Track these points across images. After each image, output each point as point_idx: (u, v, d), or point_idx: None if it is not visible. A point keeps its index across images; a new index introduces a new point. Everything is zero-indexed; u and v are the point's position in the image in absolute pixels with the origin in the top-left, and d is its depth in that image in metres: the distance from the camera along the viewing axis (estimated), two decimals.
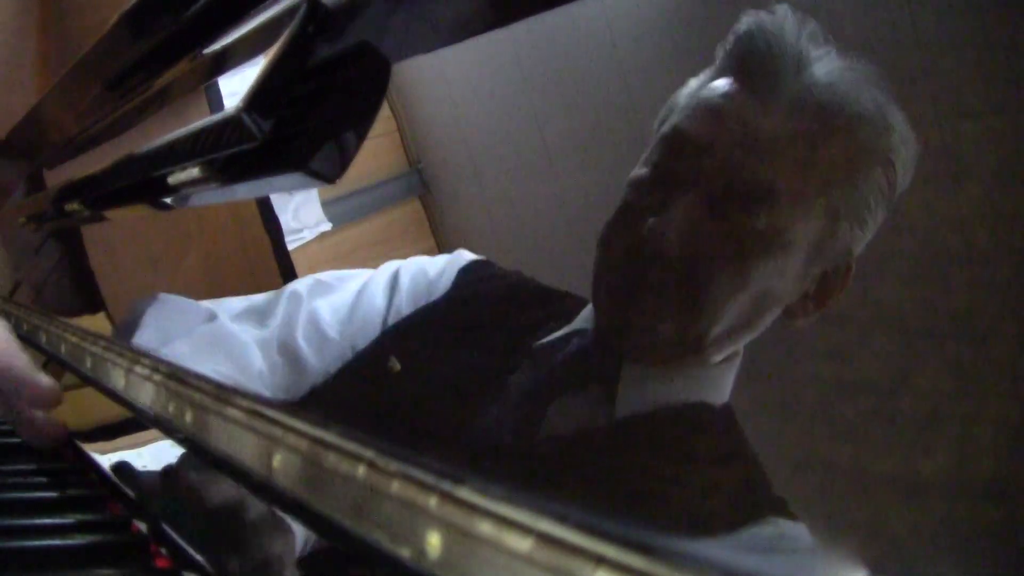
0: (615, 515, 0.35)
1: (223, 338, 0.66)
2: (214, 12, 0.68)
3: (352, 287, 0.64)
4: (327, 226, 0.79)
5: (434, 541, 0.30)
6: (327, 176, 0.56)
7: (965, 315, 0.32)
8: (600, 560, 0.24)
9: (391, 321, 0.59)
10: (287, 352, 0.63)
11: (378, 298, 0.60)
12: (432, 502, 0.30)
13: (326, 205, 0.79)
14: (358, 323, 0.60)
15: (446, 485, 0.30)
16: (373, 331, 0.59)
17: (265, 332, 0.66)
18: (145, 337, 0.70)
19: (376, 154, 0.68)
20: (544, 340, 0.44)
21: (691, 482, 0.36)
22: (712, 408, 0.38)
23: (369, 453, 0.34)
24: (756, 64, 0.36)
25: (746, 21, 0.37)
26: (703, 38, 0.45)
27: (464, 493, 0.29)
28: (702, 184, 0.37)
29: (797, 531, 0.33)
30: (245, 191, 0.73)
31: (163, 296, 0.76)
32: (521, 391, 0.44)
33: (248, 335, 0.66)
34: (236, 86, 0.60)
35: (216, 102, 0.70)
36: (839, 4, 0.39)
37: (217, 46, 0.69)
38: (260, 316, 0.68)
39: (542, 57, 0.52)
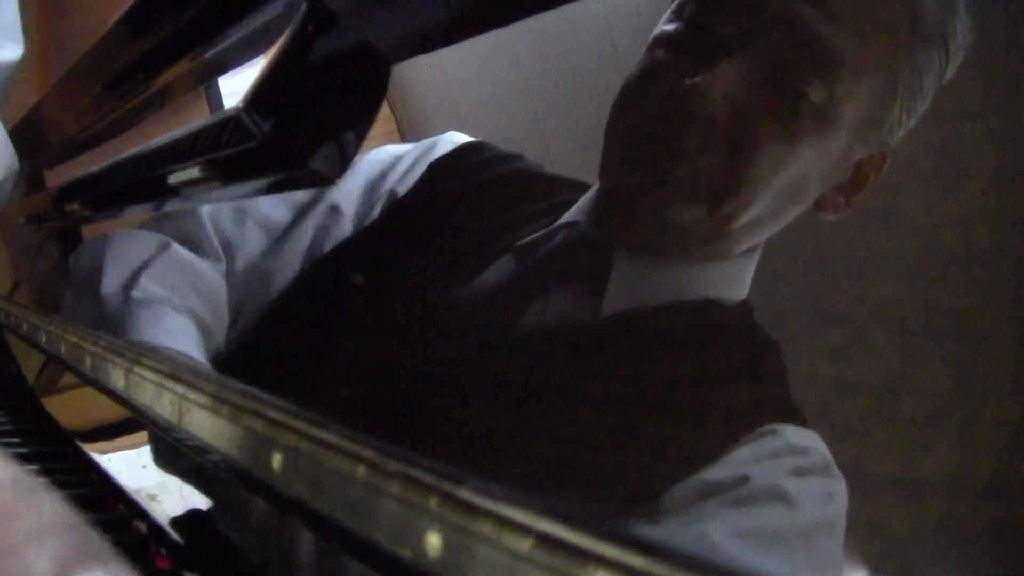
0: (596, 438, 0.32)
1: (180, 265, 0.65)
2: (214, 12, 0.68)
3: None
4: None
5: (434, 541, 0.30)
6: (327, 175, 0.56)
7: (965, 315, 0.32)
8: (600, 560, 0.24)
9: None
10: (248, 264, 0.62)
11: (316, 218, 0.58)
12: (432, 502, 0.30)
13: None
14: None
15: (446, 485, 0.30)
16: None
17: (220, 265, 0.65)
18: (109, 284, 0.67)
19: None
20: (528, 238, 0.40)
21: (685, 390, 0.33)
22: (724, 305, 0.34)
23: (369, 453, 0.34)
24: None
25: None
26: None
27: (464, 493, 0.29)
28: (755, 43, 0.33)
29: (806, 440, 0.31)
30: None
31: (113, 233, 0.73)
32: (499, 292, 0.40)
33: (202, 263, 0.65)
34: (236, 86, 0.60)
35: (216, 102, 0.70)
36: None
37: (217, 46, 0.69)
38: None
39: (542, 57, 0.52)
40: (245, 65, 0.63)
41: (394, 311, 0.48)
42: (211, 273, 0.64)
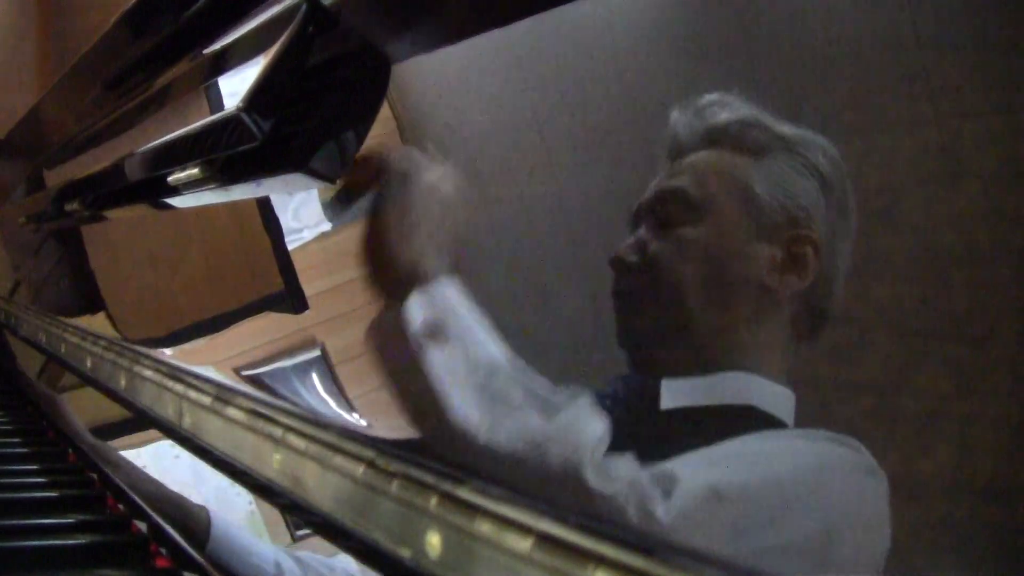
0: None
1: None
2: (214, 12, 0.68)
3: None
4: (327, 226, 0.79)
5: (434, 541, 0.30)
6: (327, 176, 0.56)
7: (965, 315, 0.32)
8: (600, 560, 0.24)
9: None
10: None
11: None
12: (432, 502, 0.30)
13: (326, 205, 0.79)
14: None
15: (446, 485, 0.30)
16: None
17: None
18: None
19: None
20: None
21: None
22: (761, 410, 0.41)
23: (369, 453, 0.34)
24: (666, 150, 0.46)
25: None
26: (703, 38, 0.45)
27: (464, 493, 0.29)
28: (644, 212, 0.47)
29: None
30: (245, 191, 0.73)
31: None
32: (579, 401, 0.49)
33: None
34: (236, 86, 0.60)
35: (216, 102, 0.70)
36: (840, 4, 0.39)
37: (217, 46, 0.69)
38: None
39: (542, 57, 0.52)
40: (245, 65, 0.63)
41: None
42: None
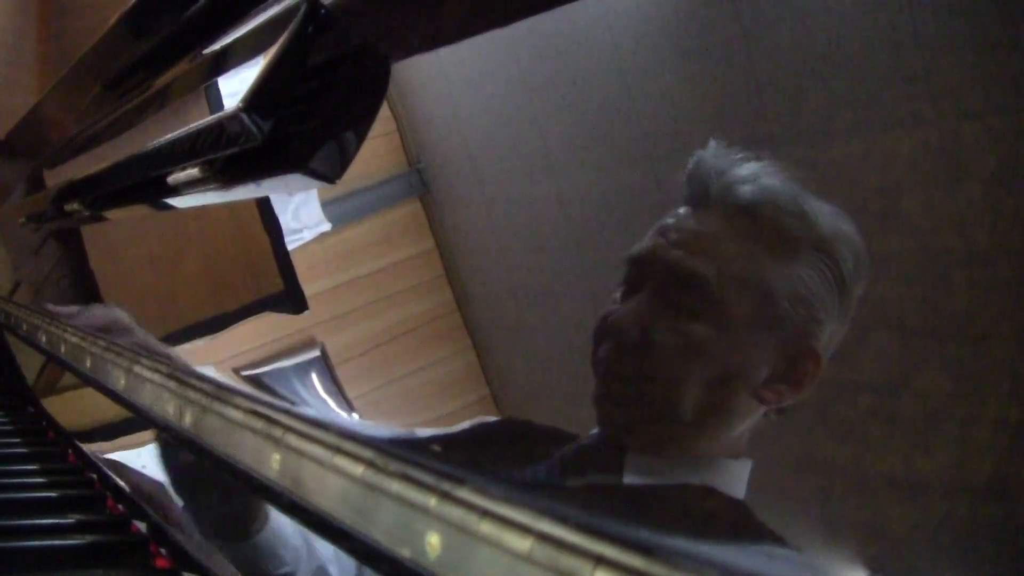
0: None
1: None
2: (214, 12, 0.68)
3: None
4: (327, 226, 0.79)
5: (434, 541, 0.30)
6: (327, 176, 0.56)
7: (965, 315, 0.32)
8: (599, 560, 0.24)
9: None
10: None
11: None
12: (432, 502, 0.30)
13: (326, 205, 0.79)
14: None
15: (446, 485, 0.30)
16: None
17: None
18: None
19: (376, 154, 0.68)
20: (565, 449, 0.49)
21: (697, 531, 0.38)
22: (721, 493, 0.41)
23: (369, 453, 0.34)
24: (691, 183, 0.43)
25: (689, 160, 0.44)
26: (703, 38, 0.45)
27: (464, 493, 0.29)
28: (649, 285, 0.45)
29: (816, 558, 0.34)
30: (245, 191, 0.73)
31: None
32: (534, 476, 0.48)
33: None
34: (236, 86, 0.60)
35: (216, 102, 0.70)
36: (839, 4, 0.39)
37: (217, 46, 0.69)
38: None
39: (542, 57, 0.52)
40: (245, 65, 0.63)
41: None
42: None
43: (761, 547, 0.35)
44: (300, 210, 0.81)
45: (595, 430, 0.47)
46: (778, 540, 0.35)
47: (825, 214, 0.39)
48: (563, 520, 0.25)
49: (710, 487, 0.41)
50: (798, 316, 0.39)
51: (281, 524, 0.66)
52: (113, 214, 1.01)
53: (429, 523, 0.30)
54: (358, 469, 0.35)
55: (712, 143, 0.42)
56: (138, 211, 0.94)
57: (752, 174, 0.41)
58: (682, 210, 0.45)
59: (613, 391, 0.46)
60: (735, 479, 0.41)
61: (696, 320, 0.42)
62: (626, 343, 0.45)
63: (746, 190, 0.41)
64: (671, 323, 0.43)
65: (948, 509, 0.31)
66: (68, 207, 0.98)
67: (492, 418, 0.57)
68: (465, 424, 0.58)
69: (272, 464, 0.41)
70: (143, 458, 1.00)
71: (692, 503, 0.41)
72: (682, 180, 0.44)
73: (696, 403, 0.42)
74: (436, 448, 0.56)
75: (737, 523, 0.39)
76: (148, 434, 0.72)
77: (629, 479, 0.44)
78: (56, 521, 0.68)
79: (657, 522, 0.39)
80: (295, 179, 0.58)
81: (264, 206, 0.81)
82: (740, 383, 0.41)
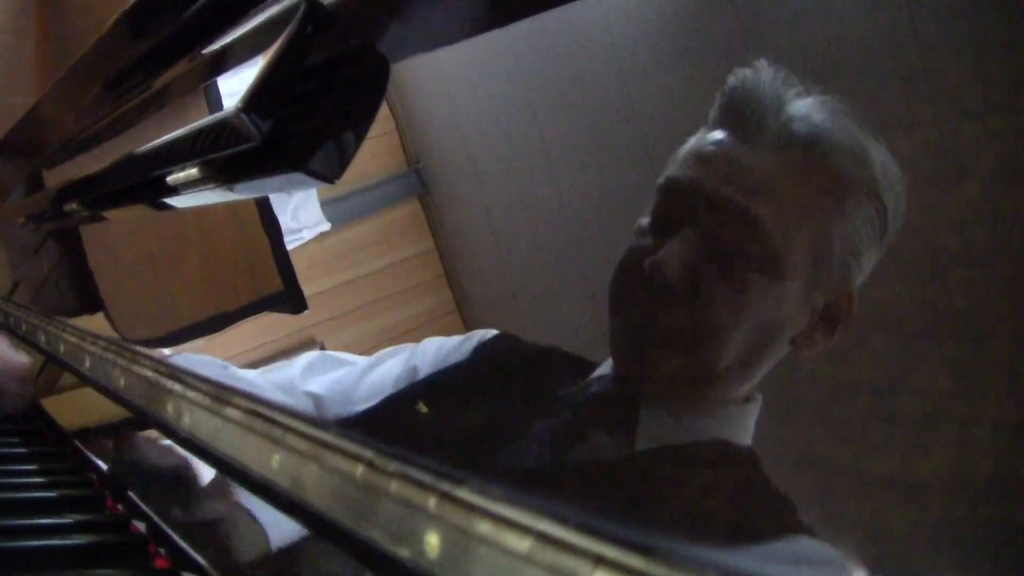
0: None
1: (238, 381, 0.67)
2: (213, 12, 0.68)
3: (362, 360, 0.65)
4: (326, 226, 0.79)
5: (433, 541, 0.29)
6: (326, 176, 0.56)
7: (965, 315, 0.32)
8: (599, 560, 0.23)
9: (405, 378, 0.60)
10: (310, 395, 0.64)
11: (396, 367, 0.61)
12: (431, 502, 0.30)
13: (325, 205, 0.79)
14: (374, 384, 0.61)
15: (445, 485, 0.30)
16: (384, 389, 0.60)
17: (284, 382, 0.67)
18: None
19: (375, 154, 0.68)
20: (567, 391, 0.46)
21: (710, 510, 0.37)
22: (733, 446, 0.39)
23: (369, 453, 0.34)
24: (739, 111, 0.39)
25: (730, 79, 0.40)
26: (703, 38, 0.45)
27: (463, 493, 0.29)
28: (695, 222, 0.40)
29: (824, 550, 0.33)
30: (245, 191, 0.73)
31: (177, 356, 0.77)
32: (545, 435, 0.45)
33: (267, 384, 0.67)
34: (236, 86, 0.60)
35: (215, 102, 0.70)
36: (839, 4, 0.39)
37: (216, 46, 0.69)
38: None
39: (542, 57, 0.52)
40: (245, 65, 0.63)
41: (449, 445, 0.52)
42: (274, 395, 0.66)
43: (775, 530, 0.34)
44: (299, 210, 0.81)
45: (604, 371, 0.45)
46: (786, 504, 0.35)
47: (880, 156, 0.36)
48: (563, 520, 0.25)
49: (722, 442, 0.39)
50: (847, 263, 0.37)
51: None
52: (112, 214, 1.01)
53: (428, 523, 0.30)
54: (357, 469, 0.34)
55: (763, 63, 0.38)
56: (137, 211, 0.94)
57: (811, 109, 0.38)
58: (722, 137, 0.40)
59: (645, 337, 0.42)
60: (745, 422, 0.39)
61: (747, 267, 0.39)
62: (668, 287, 0.40)
63: (806, 126, 0.38)
64: (720, 268, 0.39)
65: (947, 509, 0.31)
66: (67, 207, 0.98)
67: (491, 332, 0.56)
68: (466, 343, 0.56)
69: (271, 464, 0.41)
70: None
71: (705, 466, 0.40)
72: (714, 103, 0.40)
73: (736, 354, 0.39)
74: (443, 382, 0.55)
75: (747, 486, 0.37)
76: (147, 434, 0.72)
77: (642, 434, 0.41)
78: (55, 521, 0.68)
79: (671, 489, 0.38)
80: (294, 179, 0.58)
81: (264, 206, 0.81)
82: (783, 333, 0.39)
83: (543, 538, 0.25)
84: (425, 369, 0.60)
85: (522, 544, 0.26)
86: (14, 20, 1.49)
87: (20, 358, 0.73)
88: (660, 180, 0.43)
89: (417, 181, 0.67)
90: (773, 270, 0.38)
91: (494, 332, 0.58)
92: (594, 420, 0.44)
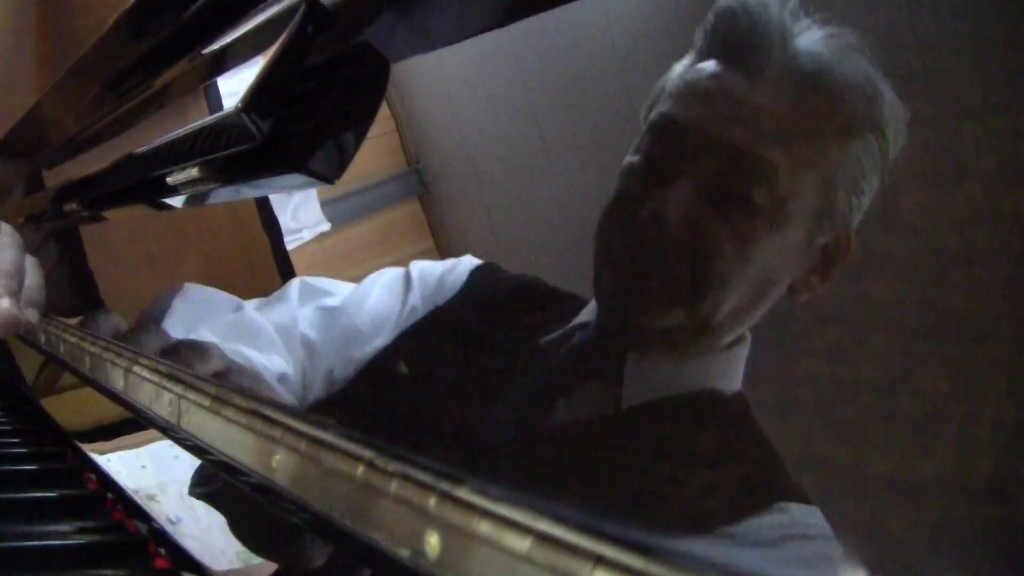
0: (622, 509, 0.36)
1: (248, 326, 0.66)
2: (213, 12, 0.68)
3: (354, 288, 0.65)
4: (326, 226, 0.79)
5: (433, 541, 0.30)
6: (326, 176, 0.56)
7: (965, 315, 0.32)
8: (599, 560, 0.24)
9: (405, 317, 0.58)
10: (305, 343, 0.64)
11: (388, 296, 0.60)
12: (431, 502, 0.30)
13: (325, 205, 0.79)
14: (370, 316, 0.60)
15: (445, 485, 0.30)
16: (385, 324, 0.59)
17: (286, 318, 0.66)
18: (171, 323, 0.69)
19: (375, 154, 0.68)
20: (549, 337, 0.44)
21: (699, 472, 0.36)
22: (723, 395, 0.38)
23: (368, 453, 0.34)
24: (740, 41, 0.36)
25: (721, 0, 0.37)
26: None
27: (463, 493, 0.29)
28: (698, 166, 0.38)
29: (809, 516, 0.33)
30: (244, 191, 0.73)
31: (190, 286, 0.76)
32: (527, 389, 0.44)
33: (272, 325, 0.66)
34: (236, 86, 0.60)
35: (215, 102, 0.70)
36: (838, 4, 0.39)
37: (216, 46, 0.69)
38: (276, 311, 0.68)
39: (542, 57, 0.52)
40: (245, 65, 0.63)
41: (429, 403, 0.50)
42: (276, 341, 0.65)
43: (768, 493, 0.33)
44: (299, 210, 0.81)
45: (586, 318, 0.42)
46: (776, 462, 0.34)
47: (887, 92, 0.34)
48: (562, 520, 0.25)
49: (710, 392, 0.38)
50: (850, 204, 0.35)
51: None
52: (112, 214, 1.01)
53: (428, 523, 0.30)
54: (357, 469, 0.34)
55: None
56: (138, 211, 0.94)
57: (820, 44, 0.35)
58: (720, 70, 0.37)
59: (642, 291, 0.40)
60: (735, 364, 0.37)
61: (753, 214, 0.36)
62: (670, 240, 0.38)
63: (814, 63, 0.35)
64: (724, 217, 0.36)
65: (947, 509, 0.31)
66: (67, 207, 0.98)
67: (475, 263, 0.54)
68: (451, 276, 0.55)
69: (271, 464, 0.41)
70: (142, 458, 1.00)
71: (693, 424, 0.38)
72: (704, 25, 0.37)
73: (735, 304, 0.37)
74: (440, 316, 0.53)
75: (737, 443, 0.36)
76: (148, 434, 0.72)
77: (628, 388, 0.39)
78: (55, 521, 0.68)
79: (659, 450, 0.37)
80: (294, 179, 0.58)
81: (263, 206, 0.81)
82: (784, 279, 0.36)
83: (543, 538, 0.25)
84: (419, 301, 0.59)
85: (522, 544, 0.26)
86: (14, 20, 1.49)
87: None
88: (653, 116, 0.40)
89: (417, 181, 0.67)
90: (780, 217, 0.36)
91: (477, 263, 0.56)
92: (576, 374, 0.41)
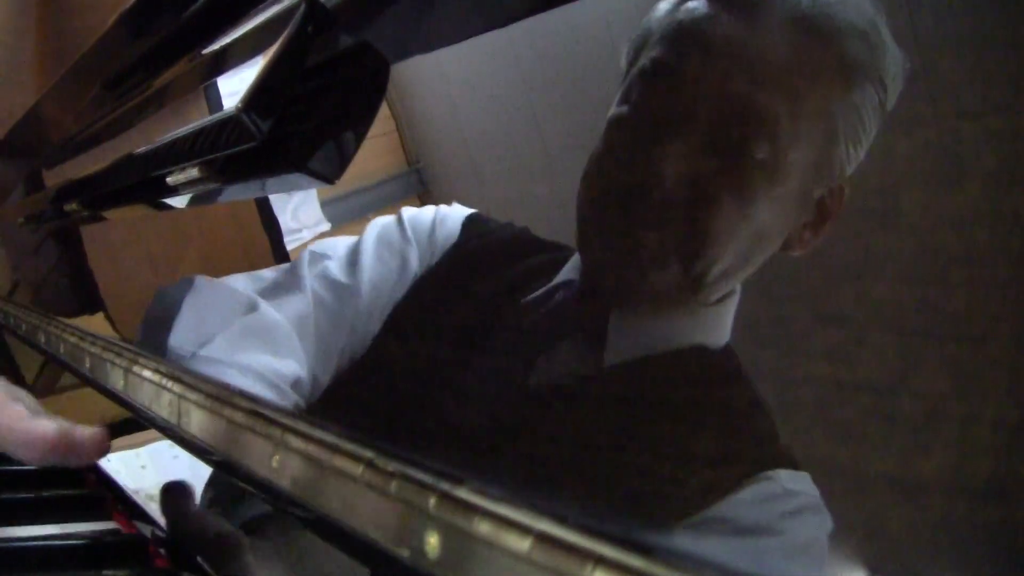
0: (601, 474, 0.35)
1: (263, 329, 0.64)
2: (213, 12, 0.68)
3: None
4: (326, 226, 0.79)
5: (433, 541, 0.30)
6: (326, 176, 0.56)
7: (965, 315, 0.32)
8: (599, 560, 0.24)
9: (405, 278, 0.57)
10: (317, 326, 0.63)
11: (387, 253, 0.58)
12: (431, 502, 0.30)
13: (325, 205, 0.79)
14: (376, 279, 0.59)
15: (445, 485, 0.30)
16: (393, 279, 0.57)
17: (301, 307, 0.64)
18: (180, 337, 0.66)
19: (375, 154, 0.68)
20: (532, 295, 0.42)
21: (685, 434, 0.34)
22: (710, 351, 0.36)
23: (369, 453, 0.34)
24: None
25: None
26: None
27: (463, 493, 0.29)
28: (695, 118, 0.35)
29: (799, 483, 0.32)
30: (245, 191, 0.73)
31: (199, 280, 0.70)
32: (508, 347, 0.42)
33: (287, 319, 0.65)
34: (236, 86, 0.60)
35: (215, 102, 0.70)
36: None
37: (216, 46, 0.69)
38: (284, 291, 0.67)
39: (542, 57, 0.52)
40: (245, 65, 0.63)
41: (411, 367, 0.50)
42: (292, 340, 0.64)
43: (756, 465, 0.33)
44: (299, 210, 0.81)
45: (569, 275, 0.41)
46: (765, 422, 0.33)
47: (888, 37, 0.33)
48: (562, 520, 0.25)
49: (699, 348, 0.36)
50: (848, 157, 0.33)
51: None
52: (112, 214, 1.01)
53: (428, 523, 0.30)
54: (357, 469, 0.34)
55: None
56: (137, 211, 0.94)
57: None
58: (714, 12, 0.35)
59: (636, 249, 0.37)
60: (724, 319, 0.36)
61: (755, 169, 0.34)
62: (669, 197, 0.35)
63: (815, 6, 0.33)
64: (723, 171, 0.34)
65: (947, 509, 0.31)
66: (67, 207, 0.98)
67: (464, 212, 0.52)
68: (447, 223, 0.53)
69: (271, 464, 0.41)
70: (142, 458, 1.00)
71: (680, 383, 0.36)
72: None
73: (731, 260, 0.36)
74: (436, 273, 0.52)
75: (724, 404, 0.34)
76: (148, 434, 0.72)
77: (612, 347, 0.37)
78: (55, 522, 0.68)
79: (644, 412, 0.36)
80: (294, 179, 0.58)
81: (264, 206, 0.81)
82: (779, 234, 0.35)
83: (543, 538, 0.25)
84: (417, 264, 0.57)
85: (522, 544, 0.26)
86: (14, 20, 1.49)
87: (36, 424, 0.61)
88: (644, 62, 0.37)
89: (417, 181, 0.67)
90: (781, 170, 0.34)
91: (467, 214, 0.54)
92: (558, 331, 0.40)
